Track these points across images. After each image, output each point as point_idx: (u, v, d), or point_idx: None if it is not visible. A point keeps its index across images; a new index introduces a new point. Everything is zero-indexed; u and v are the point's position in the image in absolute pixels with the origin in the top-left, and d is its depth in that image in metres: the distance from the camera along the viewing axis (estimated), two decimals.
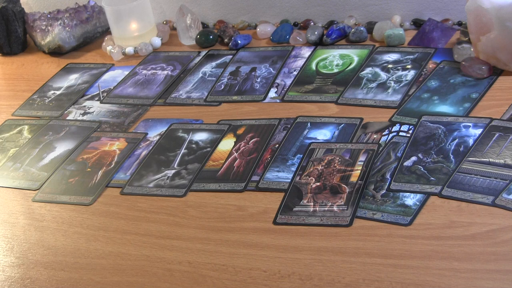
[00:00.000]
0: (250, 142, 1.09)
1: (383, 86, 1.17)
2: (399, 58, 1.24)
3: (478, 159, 0.95)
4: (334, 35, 1.33)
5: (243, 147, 1.08)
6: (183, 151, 1.10)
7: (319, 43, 1.34)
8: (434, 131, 1.02)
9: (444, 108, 1.08)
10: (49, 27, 1.49)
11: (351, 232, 0.88)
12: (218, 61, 1.35)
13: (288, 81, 1.24)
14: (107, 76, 1.38)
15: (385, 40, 1.29)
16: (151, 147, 1.12)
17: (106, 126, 1.21)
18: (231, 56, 1.36)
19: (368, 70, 1.22)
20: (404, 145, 1.01)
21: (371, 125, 1.07)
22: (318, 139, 1.06)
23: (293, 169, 1.00)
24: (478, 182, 0.91)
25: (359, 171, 0.97)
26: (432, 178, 0.93)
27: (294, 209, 0.93)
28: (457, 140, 1.00)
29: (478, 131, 1.00)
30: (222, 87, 1.26)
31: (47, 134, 1.21)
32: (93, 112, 1.26)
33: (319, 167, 1.00)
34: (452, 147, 0.98)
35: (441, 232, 0.85)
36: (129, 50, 1.43)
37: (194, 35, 1.43)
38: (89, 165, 1.11)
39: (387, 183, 0.94)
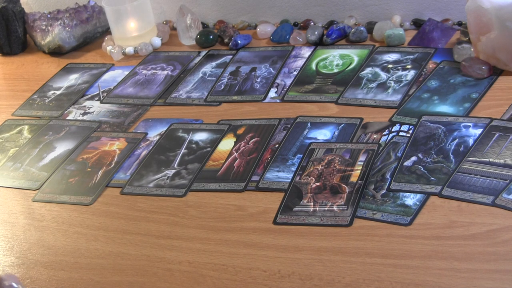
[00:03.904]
0: (250, 142, 1.09)
1: (383, 86, 1.17)
2: (399, 58, 1.24)
3: (478, 159, 0.95)
4: (334, 35, 1.33)
5: (243, 147, 1.08)
6: (183, 151, 1.10)
7: (319, 43, 1.34)
8: (434, 131, 1.02)
9: (444, 108, 1.08)
10: (49, 27, 1.49)
11: (351, 232, 0.88)
12: (218, 61, 1.35)
13: (288, 81, 1.24)
14: (107, 76, 1.38)
15: (385, 40, 1.29)
16: (151, 147, 1.12)
17: (106, 126, 1.21)
18: (231, 56, 1.36)
19: (368, 70, 1.22)
20: (404, 145, 1.01)
21: (371, 125, 1.07)
22: (318, 139, 1.06)
23: (293, 169, 1.00)
24: (478, 182, 0.91)
25: (359, 171, 0.97)
26: (432, 178, 0.93)
27: (294, 209, 0.93)
28: (457, 140, 1.00)
29: (478, 131, 1.00)
30: (222, 87, 1.26)
31: (47, 134, 1.21)
32: (93, 112, 1.26)
33: (319, 167, 1.00)
34: (452, 147, 0.98)
35: (441, 232, 0.85)
36: (129, 50, 1.43)
37: (194, 35, 1.43)
38: (89, 165, 1.11)
39: (387, 183, 0.94)
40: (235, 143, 1.09)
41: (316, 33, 1.34)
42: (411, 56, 1.23)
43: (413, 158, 0.98)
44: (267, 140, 1.08)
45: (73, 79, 1.39)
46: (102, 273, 0.89)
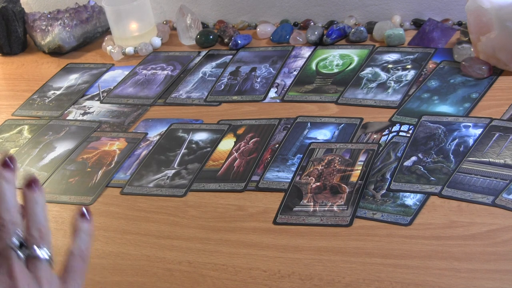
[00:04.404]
0: (250, 142, 1.09)
1: (383, 86, 1.17)
2: (399, 58, 1.24)
3: (478, 159, 0.95)
4: (334, 35, 1.33)
5: (243, 147, 1.08)
6: (183, 151, 1.10)
7: (319, 43, 1.34)
8: (434, 131, 1.02)
9: (444, 108, 1.08)
10: (49, 27, 1.49)
11: (351, 232, 0.88)
12: (218, 61, 1.35)
13: (288, 81, 1.24)
14: (107, 76, 1.38)
15: (385, 40, 1.29)
16: (151, 147, 1.12)
17: (106, 126, 1.21)
18: (231, 56, 1.36)
19: (368, 70, 1.22)
20: (404, 145, 1.01)
21: (371, 125, 1.07)
22: (318, 139, 1.06)
23: (293, 169, 1.00)
24: (478, 182, 0.91)
25: (359, 171, 0.97)
26: (432, 178, 0.93)
27: (294, 209, 0.93)
28: (457, 140, 1.00)
29: (478, 131, 1.00)
30: (222, 87, 1.26)
31: (47, 134, 1.21)
32: (93, 112, 1.26)
33: (319, 167, 1.00)
34: (452, 147, 0.98)
35: (441, 232, 0.85)
36: (129, 50, 1.43)
37: (194, 35, 1.43)
38: (89, 165, 1.11)
39: (387, 183, 0.94)
40: (235, 143, 1.09)
41: (316, 33, 1.34)
42: (411, 56, 1.24)
43: (413, 158, 0.98)
44: (267, 140, 1.08)
45: (73, 79, 1.39)
46: (102, 273, 0.89)
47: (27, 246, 0.58)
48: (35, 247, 0.58)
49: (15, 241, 0.58)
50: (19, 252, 0.58)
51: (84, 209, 0.64)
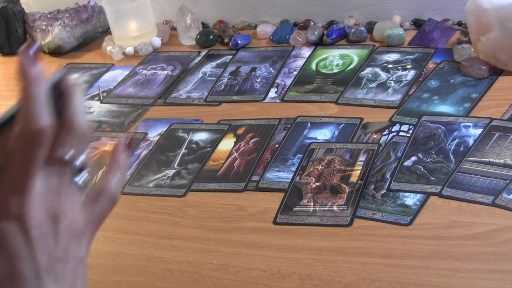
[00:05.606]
0: (250, 142, 1.09)
1: (383, 86, 1.17)
2: (399, 58, 1.24)
3: (478, 159, 0.95)
4: (334, 35, 1.33)
5: (243, 147, 1.08)
6: (183, 151, 1.10)
7: (319, 43, 1.34)
8: (434, 131, 1.02)
9: (444, 108, 1.08)
10: (49, 27, 1.49)
11: (351, 232, 0.88)
12: (218, 61, 1.35)
13: (288, 81, 1.24)
14: (107, 76, 1.38)
15: (385, 40, 1.29)
16: (151, 147, 1.12)
17: (106, 126, 1.21)
18: (231, 56, 1.36)
19: (368, 70, 1.22)
20: (404, 145, 1.01)
21: (371, 125, 1.07)
22: (318, 139, 1.06)
23: (293, 169, 1.00)
24: (478, 182, 0.91)
25: (359, 171, 0.97)
26: (432, 178, 0.93)
27: (294, 209, 0.93)
28: (457, 140, 1.00)
29: (478, 131, 1.00)
30: (222, 87, 1.26)
31: None
32: (93, 112, 1.26)
33: (319, 167, 1.00)
34: (452, 147, 0.98)
35: (441, 232, 0.85)
36: (129, 50, 1.43)
37: (194, 35, 1.43)
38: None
39: (387, 183, 0.94)
40: (235, 143, 1.09)
41: (316, 33, 1.34)
42: (411, 56, 1.23)
43: (413, 158, 0.98)
44: (267, 140, 1.08)
45: (73, 79, 1.39)
46: (102, 273, 0.89)
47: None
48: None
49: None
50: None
51: (129, 138, 0.53)
